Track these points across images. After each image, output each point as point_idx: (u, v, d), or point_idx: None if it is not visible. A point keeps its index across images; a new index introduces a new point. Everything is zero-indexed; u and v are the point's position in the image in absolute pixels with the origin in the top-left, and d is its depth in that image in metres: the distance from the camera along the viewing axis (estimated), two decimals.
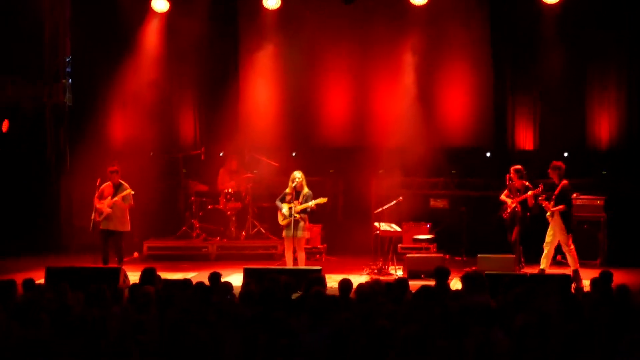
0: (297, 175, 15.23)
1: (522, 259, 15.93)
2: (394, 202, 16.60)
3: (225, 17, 20.42)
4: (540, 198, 15.29)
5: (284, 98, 20.17)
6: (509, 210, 15.92)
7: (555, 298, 8.80)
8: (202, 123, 20.78)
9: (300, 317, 8.15)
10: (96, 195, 16.03)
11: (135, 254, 18.35)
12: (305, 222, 15.24)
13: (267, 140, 19.92)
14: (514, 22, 19.15)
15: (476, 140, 19.76)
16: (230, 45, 20.63)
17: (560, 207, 15.04)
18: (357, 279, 13.28)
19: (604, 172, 18.46)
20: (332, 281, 13.17)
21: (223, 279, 10.64)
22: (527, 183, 15.95)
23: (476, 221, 18.56)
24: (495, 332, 7.21)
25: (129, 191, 15.99)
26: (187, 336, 7.20)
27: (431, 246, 17.68)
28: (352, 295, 9.72)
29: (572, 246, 15.13)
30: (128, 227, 16.13)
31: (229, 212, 18.81)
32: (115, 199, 15.89)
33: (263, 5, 19.52)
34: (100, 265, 15.65)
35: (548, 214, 15.21)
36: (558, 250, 16.33)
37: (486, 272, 11.44)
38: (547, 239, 15.22)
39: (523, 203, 15.82)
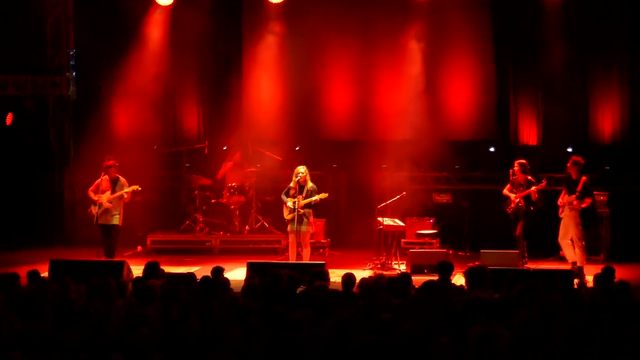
0: (301, 170, 15.23)
1: (526, 254, 15.93)
2: (397, 196, 16.61)
3: (228, 10, 20.40)
4: (573, 202, 15.20)
5: (288, 91, 20.15)
6: (512, 205, 15.92)
7: (558, 293, 8.79)
8: (206, 116, 20.77)
9: (303, 311, 8.16)
10: (91, 188, 16.06)
11: (139, 248, 18.37)
12: (310, 216, 15.25)
13: (271, 133, 19.92)
14: (517, 17, 19.09)
15: (479, 135, 19.74)
16: (234, 38, 20.61)
17: (587, 202, 15.11)
18: (361, 274, 13.27)
19: (607, 167, 18.44)
20: (336, 276, 13.17)
21: (226, 273, 10.65)
22: (530, 177, 15.94)
23: (479, 216, 18.57)
24: (498, 327, 7.21)
25: (136, 187, 16.04)
26: (190, 330, 7.22)
27: (434, 241, 17.68)
28: (355, 289, 9.73)
29: (584, 242, 15.16)
30: (121, 222, 16.14)
31: (232, 206, 18.81)
32: (118, 194, 15.92)
33: None
34: (104, 258, 15.69)
35: (563, 211, 15.26)
36: (560, 245, 16.40)
37: (489, 267, 11.42)
38: (561, 232, 15.28)
39: (527, 198, 15.81)
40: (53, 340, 7.03)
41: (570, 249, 15.31)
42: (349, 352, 6.66)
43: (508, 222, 16.14)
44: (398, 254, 16.53)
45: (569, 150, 18.84)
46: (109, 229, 16.00)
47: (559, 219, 15.66)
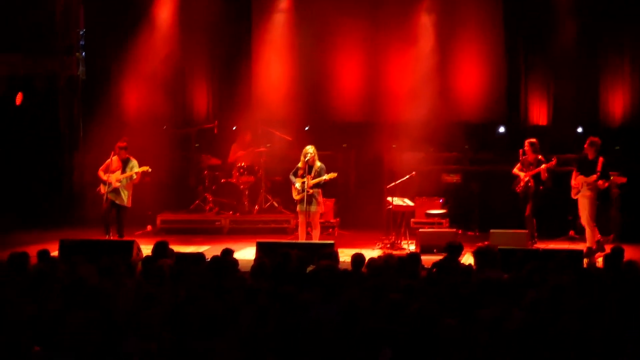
0: (309, 149, 15.17)
1: (535, 234, 15.89)
2: (407, 176, 16.56)
3: None
4: (597, 182, 15.13)
5: (297, 71, 20.12)
6: (522, 184, 15.87)
7: (567, 273, 8.77)
8: (215, 97, 20.77)
9: (311, 291, 8.15)
10: (101, 168, 16.12)
11: (149, 227, 18.38)
12: (319, 196, 15.21)
13: (280, 114, 19.89)
14: None
15: (489, 115, 19.71)
16: (244, 19, 20.58)
17: (608, 183, 15.11)
18: (370, 253, 13.23)
19: (617, 148, 18.36)
20: (345, 255, 13.16)
21: (235, 253, 10.64)
22: (540, 157, 15.89)
23: (489, 196, 18.52)
24: (508, 307, 7.19)
25: (147, 168, 16.06)
26: (199, 310, 7.21)
27: (444, 221, 17.65)
28: (364, 269, 9.72)
29: (595, 224, 15.12)
30: (130, 203, 16.18)
31: (242, 186, 18.80)
32: (127, 174, 15.95)
33: None
34: (105, 236, 15.73)
35: (576, 192, 15.21)
36: (570, 224, 16.36)
37: (499, 247, 11.40)
38: (581, 214, 15.24)
39: (536, 177, 15.77)
40: (63, 320, 7.03)
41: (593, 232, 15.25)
42: (357, 332, 6.65)
43: (517, 202, 16.11)
44: (407, 234, 16.49)
45: (579, 130, 18.80)
46: (117, 208, 16.04)
47: (569, 200, 15.61)
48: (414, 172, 16.66)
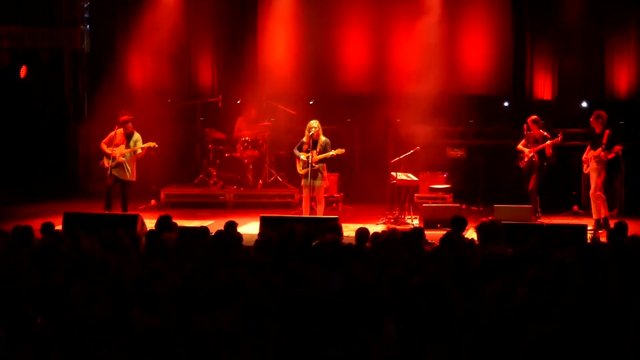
0: (314, 124, 15.12)
1: (539, 209, 15.91)
2: (411, 151, 16.54)
3: None
4: (599, 153, 15.17)
5: (302, 45, 20.07)
6: (526, 159, 15.87)
7: (571, 248, 8.77)
8: (220, 70, 20.72)
9: (315, 265, 8.17)
10: (104, 141, 16.12)
11: (153, 202, 18.40)
12: (324, 171, 15.20)
13: (285, 88, 19.86)
14: None
15: (494, 89, 19.65)
16: None
17: (613, 153, 15.07)
18: (374, 228, 13.27)
19: (621, 122, 18.31)
20: (349, 230, 13.20)
21: (239, 228, 10.65)
22: (545, 133, 15.89)
23: (493, 171, 18.53)
24: (511, 282, 7.21)
25: (153, 144, 16.08)
26: (203, 283, 7.24)
27: (447, 196, 17.63)
28: (368, 244, 9.73)
29: (604, 195, 15.13)
30: (135, 177, 16.20)
31: (246, 160, 18.79)
32: (133, 149, 15.95)
33: None
34: (106, 211, 15.75)
35: (586, 166, 15.24)
36: (574, 199, 16.36)
37: (503, 221, 11.40)
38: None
39: (541, 152, 15.78)
40: (67, 293, 7.06)
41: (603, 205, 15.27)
42: (360, 305, 6.67)
43: (522, 177, 16.11)
44: (411, 209, 16.51)
45: (584, 105, 18.75)
46: (121, 183, 16.06)
47: (573, 175, 15.62)
48: (418, 147, 16.64)
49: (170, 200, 18.42)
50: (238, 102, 19.98)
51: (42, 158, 19.97)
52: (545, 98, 19.34)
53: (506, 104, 19.69)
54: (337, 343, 6.14)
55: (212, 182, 18.89)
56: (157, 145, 16.31)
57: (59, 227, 12.20)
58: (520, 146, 16.07)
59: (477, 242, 9.85)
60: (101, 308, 6.74)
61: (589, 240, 12.34)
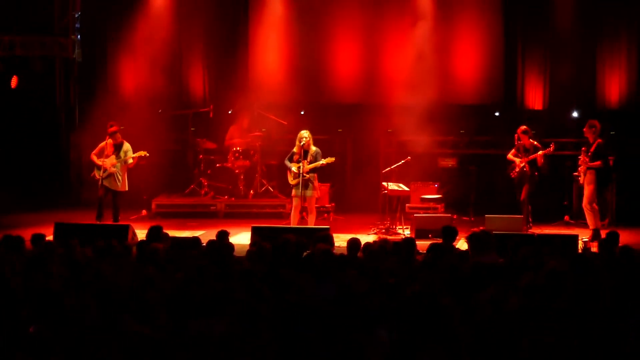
0: (305, 134, 15.16)
1: (530, 219, 15.95)
2: (402, 161, 16.59)
3: None
4: (581, 157, 15.31)
5: (294, 54, 20.13)
6: (517, 169, 15.93)
7: (562, 258, 8.82)
8: (211, 80, 20.76)
9: (307, 274, 8.21)
10: (94, 152, 16.17)
11: (144, 212, 18.41)
12: (315, 181, 15.22)
13: (276, 97, 19.90)
14: None
15: (486, 98, 19.71)
16: (241, 2, 20.58)
17: (597, 163, 15.17)
18: (365, 238, 13.32)
19: (612, 132, 18.42)
20: (340, 240, 13.22)
21: (231, 238, 10.67)
22: (536, 142, 15.96)
23: (485, 181, 18.58)
24: (504, 290, 7.25)
25: (144, 153, 16.12)
26: (194, 293, 7.26)
27: (439, 206, 17.69)
28: (359, 254, 9.77)
29: (596, 206, 15.21)
30: (126, 187, 16.24)
31: (237, 170, 18.83)
32: (125, 158, 16.00)
33: None
34: (97, 221, 15.78)
35: (579, 176, 15.33)
36: (565, 209, 16.41)
37: (494, 231, 11.45)
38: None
39: (532, 162, 15.82)
40: (61, 302, 7.08)
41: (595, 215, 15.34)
42: (352, 316, 6.70)
43: (513, 187, 16.17)
44: (402, 219, 16.54)
45: (575, 115, 18.84)
46: (113, 193, 16.09)
47: (564, 185, 15.69)
48: (409, 157, 16.69)
49: (161, 211, 18.44)
50: (229, 112, 20.01)
51: (34, 167, 19.97)
52: (536, 107, 19.41)
53: (497, 113, 19.75)
54: (330, 349, 6.18)
55: (203, 192, 18.92)
56: (148, 155, 16.35)
57: (49, 238, 12.21)
58: (510, 156, 16.13)
59: (469, 252, 9.89)
60: (94, 315, 6.77)
61: (580, 251, 12.41)
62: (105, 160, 15.94)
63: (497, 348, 6.42)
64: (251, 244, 10.76)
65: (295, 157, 15.16)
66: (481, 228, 14.46)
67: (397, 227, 16.33)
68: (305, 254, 9.62)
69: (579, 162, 15.55)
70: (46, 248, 9.73)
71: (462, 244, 12.68)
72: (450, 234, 10.72)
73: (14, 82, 19.44)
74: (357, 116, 19.76)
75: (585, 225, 15.57)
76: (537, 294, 7.01)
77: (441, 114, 18.42)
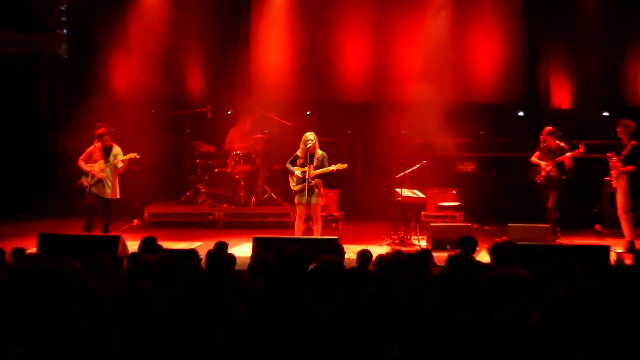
0: (310, 136, 15.08)
1: (558, 228, 15.88)
2: (417, 165, 16.53)
3: None
4: (612, 158, 15.20)
5: (298, 51, 20.14)
6: (543, 174, 15.86)
7: (592, 272, 8.77)
8: (209, 78, 20.77)
9: (312, 288, 8.17)
10: (81, 157, 16.16)
11: (135, 221, 18.40)
12: (320, 187, 15.17)
13: (280, 97, 19.91)
14: None
15: (507, 97, 19.68)
16: None
17: (629, 167, 15.03)
18: (377, 250, 13.28)
19: None
20: (350, 252, 13.18)
21: (231, 249, 10.65)
22: (562, 144, 15.88)
23: (507, 186, 18.53)
24: (527, 306, 7.21)
25: (134, 155, 16.08)
26: (192, 310, 7.24)
27: (458, 214, 17.65)
28: (371, 267, 9.73)
29: (629, 214, 15.09)
30: (118, 194, 16.23)
31: (237, 176, 18.81)
32: (115, 162, 16.00)
33: None
34: (86, 232, 15.77)
35: (610, 180, 15.22)
36: (596, 217, 16.32)
37: (518, 242, 11.40)
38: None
39: (559, 166, 15.75)
40: (47, 318, 7.06)
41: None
42: (361, 333, 6.67)
43: (538, 193, 16.11)
44: (418, 229, 16.49)
45: (605, 114, 18.78)
46: (102, 201, 16.07)
47: (594, 190, 15.60)
48: (425, 161, 16.63)
49: (154, 220, 18.43)
50: (229, 112, 20.01)
51: (19, 172, 19.97)
52: (562, 107, 19.37)
53: (521, 113, 19.70)
54: None
55: (200, 199, 18.91)
56: (138, 157, 16.28)
57: (32, 250, 12.20)
58: (534, 159, 16.06)
59: (490, 265, 9.85)
60: (82, 333, 6.75)
61: (612, 263, 12.35)
62: (94, 165, 15.93)
63: None
64: (252, 256, 10.71)
65: (299, 161, 15.10)
66: (504, 238, 14.41)
67: (412, 238, 16.29)
68: (311, 267, 9.59)
69: (610, 166, 15.44)
70: (29, 261, 9.70)
71: (483, 256, 12.64)
72: (469, 245, 10.66)
73: None
74: (368, 116, 19.74)
75: (619, 235, 15.47)
76: (564, 312, 6.96)
77: (459, 114, 18.39)
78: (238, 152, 18.72)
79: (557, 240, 15.45)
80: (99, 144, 16.11)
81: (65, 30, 20.82)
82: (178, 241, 15.95)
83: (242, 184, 18.86)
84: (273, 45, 20.21)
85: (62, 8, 20.71)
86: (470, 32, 19.61)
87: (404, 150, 18.23)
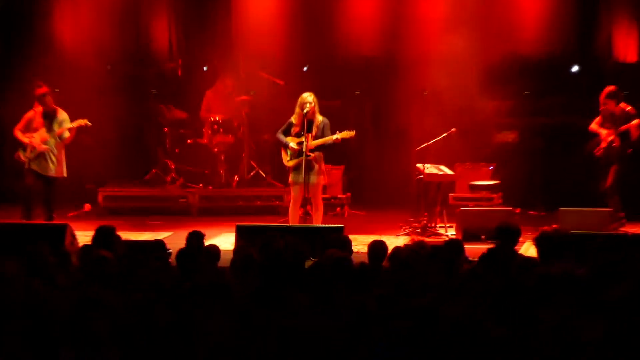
0: (309, 98, 15.04)
1: (622, 213, 15.90)
2: (444, 134, 16.53)
3: None
4: None
5: None
6: (603, 145, 15.88)
7: None
8: (179, 26, 20.71)
9: (310, 292, 8.19)
10: (18, 126, 16.08)
11: (87, 206, 18.45)
12: (321, 162, 15.16)
13: (269, 50, 19.86)
14: None
15: (557, 49, 19.64)
16: None
17: None
18: (393, 242, 13.31)
19: None
20: (359, 243, 13.23)
21: (208, 241, 10.67)
22: (629, 108, 15.88)
23: (557, 160, 18.55)
24: (582, 312, 7.23)
25: (84, 121, 15.99)
26: (157, 318, 7.26)
27: (495, 196, 17.69)
28: (385, 263, 9.75)
29: None
30: (65, 172, 16.18)
31: (216, 149, 18.82)
32: (60, 129, 15.97)
33: None
34: (24, 220, 15.75)
35: None
36: None
37: (571, 231, 11.43)
38: None
39: (623, 135, 15.77)
40: None
41: None
42: (370, 349, 6.70)
43: (597, 169, 16.13)
44: (445, 214, 16.53)
45: None
46: (44, 180, 16.04)
47: None
48: (453, 129, 16.63)
49: (111, 205, 18.50)
50: (205, 68, 20.01)
51: None
52: (627, 60, 19.35)
53: (575, 68, 19.68)
54: None
55: (169, 178, 18.95)
56: (90, 124, 16.18)
57: None
58: (593, 126, 16.08)
59: (537, 260, 9.87)
60: (29, 351, 6.79)
61: None
62: (34, 135, 15.92)
63: None
64: (235, 250, 10.73)
65: (295, 130, 15.10)
66: (554, 226, 14.45)
67: (438, 226, 16.34)
68: (308, 263, 9.61)
69: None
70: None
71: (527, 249, 12.66)
72: (509, 235, 10.67)
73: None
74: (380, 73, 19.76)
75: None
76: (629, 317, 6.98)
77: (496, 71, 18.42)
78: (217, 118, 18.71)
79: (621, 228, 15.47)
80: (39, 108, 16.06)
81: None
82: (141, 231, 16.03)
83: (222, 159, 18.89)
84: None
85: None
86: None
87: (426, 115, 18.23)
